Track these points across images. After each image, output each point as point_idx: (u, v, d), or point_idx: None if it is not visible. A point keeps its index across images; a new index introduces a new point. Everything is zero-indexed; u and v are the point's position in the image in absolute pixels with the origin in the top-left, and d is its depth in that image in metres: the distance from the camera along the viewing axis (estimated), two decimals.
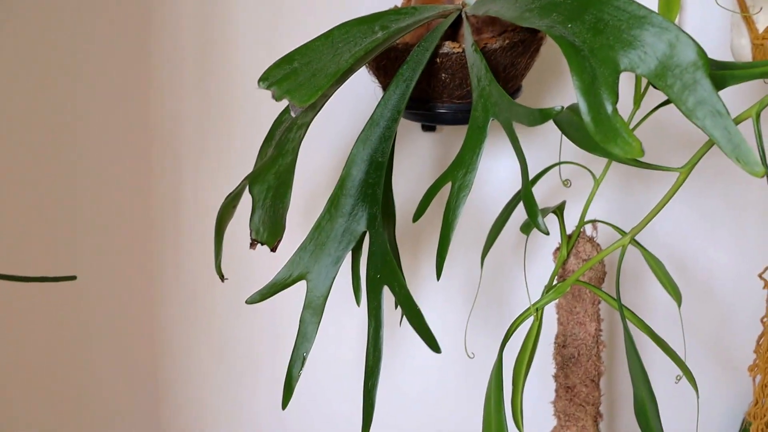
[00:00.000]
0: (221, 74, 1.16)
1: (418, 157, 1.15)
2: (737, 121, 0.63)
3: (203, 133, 1.19)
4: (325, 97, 0.77)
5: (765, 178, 0.60)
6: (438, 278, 0.73)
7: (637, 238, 0.95)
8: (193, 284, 1.24)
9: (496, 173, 1.14)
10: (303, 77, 0.71)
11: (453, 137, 1.13)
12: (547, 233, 0.64)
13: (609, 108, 0.58)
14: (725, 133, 0.57)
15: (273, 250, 0.75)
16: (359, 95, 1.04)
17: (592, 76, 0.59)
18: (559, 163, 0.96)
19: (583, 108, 0.58)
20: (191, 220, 1.22)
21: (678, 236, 1.16)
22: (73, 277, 0.80)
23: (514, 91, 0.92)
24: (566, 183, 1.01)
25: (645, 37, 0.59)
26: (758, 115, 0.63)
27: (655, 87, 0.61)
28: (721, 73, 0.67)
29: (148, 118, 1.20)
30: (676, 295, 1.01)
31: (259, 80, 0.71)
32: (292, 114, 0.70)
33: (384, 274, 0.75)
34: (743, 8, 0.86)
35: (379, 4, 1.05)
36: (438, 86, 0.86)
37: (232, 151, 1.18)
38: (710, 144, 0.66)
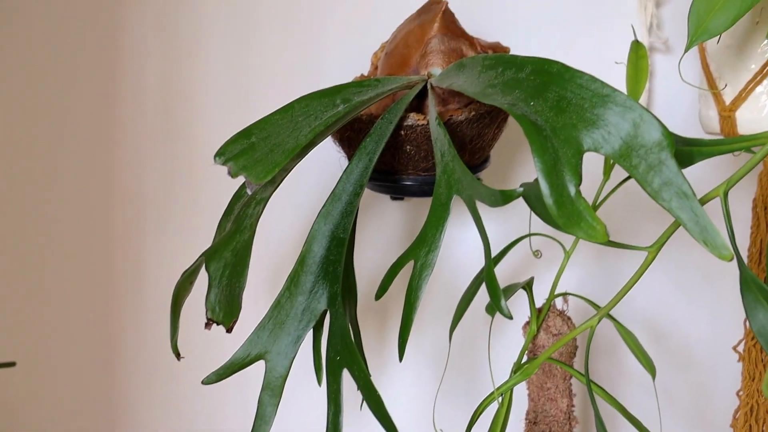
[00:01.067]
0: (186, 141, 1.14)
1: (386, 226, 1.12)
2: (704, 200, 0.61)
3: (167, 203, 1.16)
4: (285, 172, 0.74)
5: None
6: (400, 360, 0.70)
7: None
8: (153, 360, 1.20)
9: (465, 242, 1.12)
10: (260, 153, 0.69)
11: (422, 206, 1.11)
12: (511, 318, 0.61)
13: (572, 190, 0.56)
14: (692, 215, 0.56)
15: (228, 331, 0.72)
16: (323, 166, 1.02)
17: (554, 157, 0.57)
18: (529, 235, 0.94)
19: (545, 191, 0.57)
20: (154, 293, 1.18)
21: (653, 306, 1.13)
22: (12, 364, 0.76)
23: (482, 162, 0.90)
24: (536, 254, 0.98)
25: (609, 116, 0.58)
26: (726, 195, 0.62)
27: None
28: (689, 150, 0.66)
29: (108, 182, 1.17)
30: (650, 367, 0.99)
31: (216, 155, 0.69)
32: (248, 191, 0.68)
33: (344, 357, 0.72)
34: (710, 81, 0.85)
35: (346, 72, 1.04)
36: (403, 158, 0.84)
37: (197, 222, 1.15)
38: (678, 224, 0.64)
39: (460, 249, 1.12)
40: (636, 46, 0.85)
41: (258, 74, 1.12)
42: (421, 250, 0.70)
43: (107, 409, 1.21)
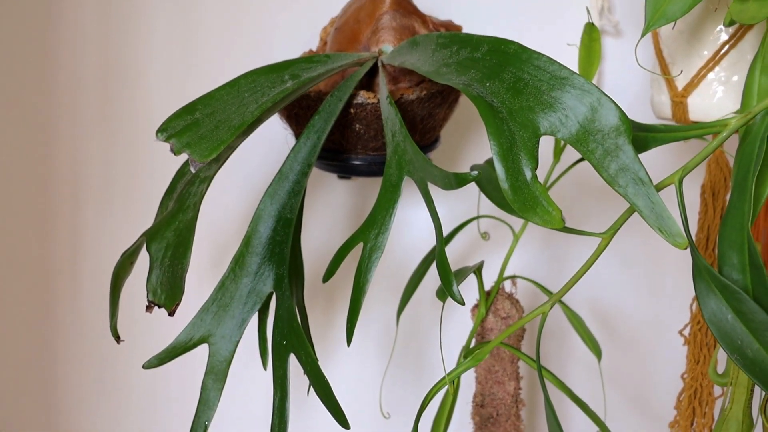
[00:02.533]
0: (126, 114, 1.10)
1: (333, 206, 1.10)
2: (659, 188, 0.61)
3: (107, 179, 1.12)
4: (230, 149, 0.72)
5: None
6: (348, 344, 0.68)
7: (553, 290, 0.93)
8: (92, 344, 1.16)
9: (415, 224, 1.10)
10: (205, 129, 0.66)
11: (369, 185, 1.09)
12: (463, 304, 0.60)
13: (528, 174, 0.55)
14: (648, 202, 0.55)
15: (171, 314, 0.69)
16: (270, 143, 0.99)
17: (511, 141, 0.56)
18: (478, 217, 0.93)
19: (501, 174, 0.55)
20: (91, 274, 1.14)
21: (599, 289, 1.14)
22: None
23: (431, 142, 0.89)
24: (485, 236, 0.98)
25: (566, 99, 0.56)
26: (681, 182, 0.61)
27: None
28: (644, 135, 0.65)
29: (47, 160, 1.12)
30: (595, 350, 0.99)
31: (157, 131, 0.66)
32: (192, 169, 0.65)
33: (291, 342, 0.70)
34: (663, 66, 0.84)
35: (294, 47, 1.01)
36: (352, 137, 0.82)
37: (138, 199, 1.11)
38: (632, 210, 0.63)
39: (408, 231, 1.11)
40: (590, 28, 0.84)
41: (201, 48, 1.08)
42: (370, 233, 0.68)
43: (43, 392, 1.17)
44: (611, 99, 0.56)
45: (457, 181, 0.58)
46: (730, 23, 0.63)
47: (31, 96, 1.10)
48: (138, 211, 1.11)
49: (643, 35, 0.65)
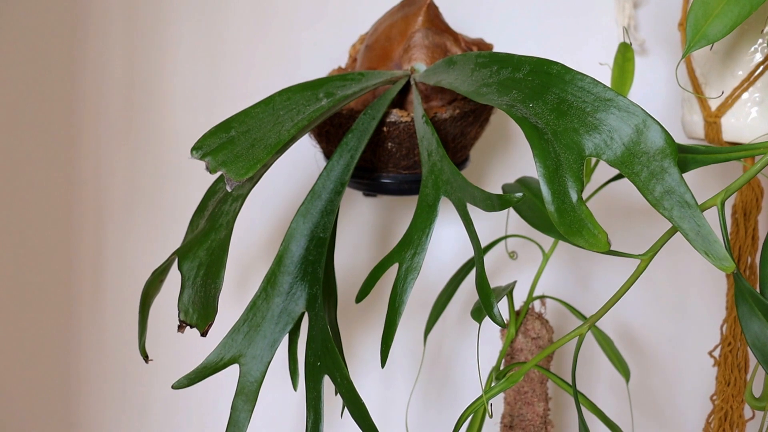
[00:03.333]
0: (151, 128, 1.10)
1: (358, 224, 1.09)
2: (701, 209, 0.60)
3: (130, 193, 1.12)
4: (265, 167, 0.71)
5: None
6: (383, 366, 0.67)
7: (585, 312, 0.92)
8: (115, 362, 1.15)
9: (441, 242, 1.09)
10: (241, 147, 0.66)
11: (395, 203, 1.08)
12: (504, 326, 0.59)
13: (574, 197, 0.55)
14: (694, 225, 0.54)
15: (203, 334, 0.68)
16: (298, 161, 0.98)
17: (557, 162, 0.55)
18: (506, 237, 0.93)
19: (547, 196, 0.54)
20: (114, 290, 1.14)
21: (624, 309, 1.13)
22: None
23: (462, 161, 0.88)
24: (512, 255, 0.97)
25: (611, 121, 0.56)
26: (723, 204, 0.60)
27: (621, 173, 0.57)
28: (683, 157, 0.64)
29: (71, 175, 1.12)
30: (624, 371, 0.98)
31: (192, 149, 0.65)
32: (228, 188, 0.64)
33: (324, 363, 0.69)
34: (696, 86, 0.84)
35: (321, 64, 1.01)
36: (384, 156, 0.82)
37: (163, 218, 1.11)
38: (673, 231, 0.62)
39: (435, 250, 1.10)
40: (624, 48, 0.83)
41: (228, 64, 1.08)
42: (406, 253, 0.67)
43: (66, 415, 1.16)
44: (657, 121, 0.55)
45: (500, 203, 0.57)
46: None
47: (57, 109, 1.10)
48: (161, 227, 1.10)
49: (684, 56, 0.65)
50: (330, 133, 0.83)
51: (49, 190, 1.11)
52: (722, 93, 0.80)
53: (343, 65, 0.96)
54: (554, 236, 0.73)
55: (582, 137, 0.56)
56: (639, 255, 0.65)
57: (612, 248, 0.61)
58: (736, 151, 0.63)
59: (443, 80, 0.72)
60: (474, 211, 1.06)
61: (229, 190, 0.66)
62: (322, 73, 1.01)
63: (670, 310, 1.13)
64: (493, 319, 0.59)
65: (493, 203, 0.58)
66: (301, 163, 0.98)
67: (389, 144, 0.81)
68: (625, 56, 0.83)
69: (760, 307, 0.59)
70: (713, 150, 0.64)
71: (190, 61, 1.08)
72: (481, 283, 0.60)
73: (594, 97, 0.57)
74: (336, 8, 1.05)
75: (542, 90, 0.59)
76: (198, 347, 0.77)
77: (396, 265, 0.68)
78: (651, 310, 1.13)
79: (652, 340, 1.14)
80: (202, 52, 1.08)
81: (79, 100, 1.09)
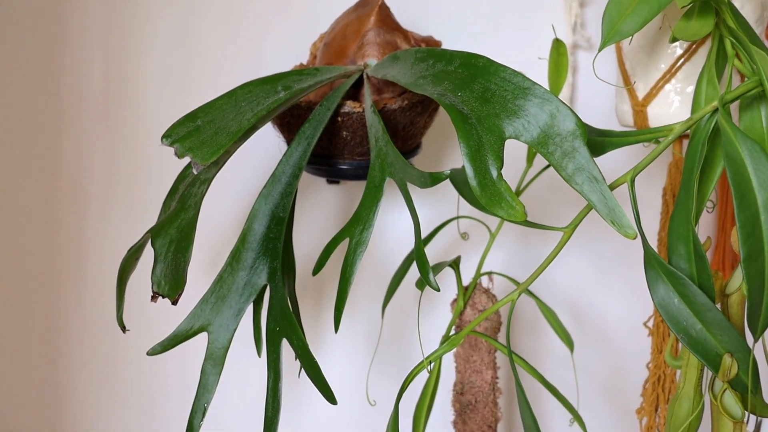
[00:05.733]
0: (128, 121, 1.17)
1: (322, 208, 1.17)
2: (613, 186, 0.68)
3: (109, 182, 1.19)
4: (228, 154, 0.79)
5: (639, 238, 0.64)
6: (336, 331, 0.75)
7: (533, 288, 1.00)
8: (96, 335, 1.23)
9: (399, 226, 1.17)
10: (206, 135, 0.73)
11: (356, 190, 1.16)
12: (438, 290, 0.66)
13: (494, 173, 0.62)
14: (601, 197, 0.62)
15: (174, 303, 0.76)
16: (264, 150, 1.06)
17: (479, 143, 0.63)
18: (457, 218, 1.00)
19: (470, 173, 0.62)
20: (95, 269, 1.21)
21: (572, 285, 1.21)
22: None
23: (413, 148, 0.96)
24: (464, 236, 1.05)
25: (529, 107, 0.63)
26: (632, 181, 0.68)
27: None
28: (601, 140, 0.72)
29: (51, 165, 1.19)
30: (568, 342, 1.06)
31: (163, 137, 0.73)
32: (194, 171, 0.72)
33: (283, 327, 0.76)
34: (625, 78, 0.92)
35: (285, 61, 1.08)
36: (339, 144, 0.89)
37: (139, 201, 1.18)
38: (591, 206, 0.70)
39: (393, 232, 1.18)
40: (557, 44, 0.91)
41: (200, 62, 1.15)
42: (355, 228, 0.74)
43: (50, 381, 1.23)
44: (568, 106, 0.63)
45: (431, 179, 0.65)
46: (673, 40, 0.70)
47: (37, 103, 1.16)
48: (138, 212, 1.17)
49: (599, 51, 0.72)
50: (291, 124, 0.90)
51: (32, 181, 1.18)
52: (634, 82, 0.88)
53: (304, 62, 1.04)
54: (486, 212, 0.80)
55: (503, 121, 0.64)
56: (561, 227, 0.72)
57: (562, 225, 0.69)
58: (643, 133, 0.71)
59: (389, 74, 0.80)
60: (433, 197, 1.14)
61: (195, 173, 0.73)
62: (287, 69, 1.08)
63: (617, 284, 1.22)
64: (429, 283, 0.67)
65: (426, 180, 0.66)
66: (268, 152, 1.06)
67: (344, 133, 0.88)
68: (558, 51, 0.91)
69: (664, 271, 0.67)
70: (626, 133, 0.72)
71: (164, 59, 1.15)
72: (418, 252, 0.68)
73: (514, 86, 0.65)
74: (300, 10, 1.13)
75: (469, 80, 0.67)
76: (171, 318, 0.84)
77: (347, 240, 0.76)
78: (596, 287, 1.22)
79: (600, 317, 1.23)
80: (176, 51, 1.16)
81: (60, 97, 1.16)
